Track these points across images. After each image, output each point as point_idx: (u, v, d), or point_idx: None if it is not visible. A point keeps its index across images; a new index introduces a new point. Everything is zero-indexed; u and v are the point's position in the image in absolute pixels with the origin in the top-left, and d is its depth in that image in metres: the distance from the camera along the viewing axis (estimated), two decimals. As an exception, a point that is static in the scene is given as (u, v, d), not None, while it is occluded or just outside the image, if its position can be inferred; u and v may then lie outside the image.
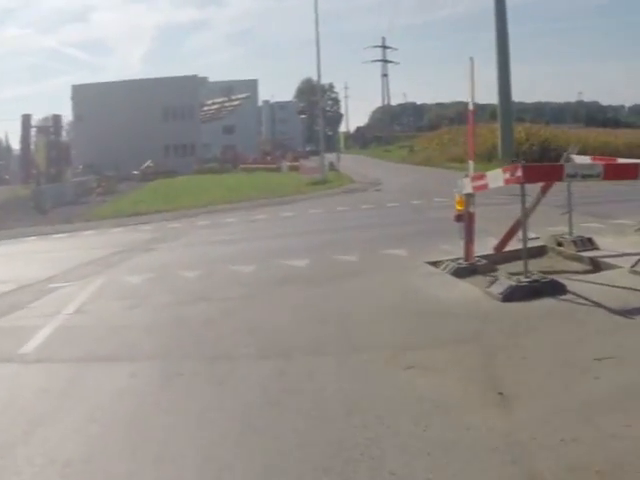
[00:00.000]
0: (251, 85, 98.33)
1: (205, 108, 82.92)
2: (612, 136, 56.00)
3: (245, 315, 9.60)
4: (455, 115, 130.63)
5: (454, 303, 9.50)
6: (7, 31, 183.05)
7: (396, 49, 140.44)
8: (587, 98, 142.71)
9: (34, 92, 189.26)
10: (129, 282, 12.76)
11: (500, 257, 12.58)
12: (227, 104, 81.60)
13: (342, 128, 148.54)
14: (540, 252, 13.57)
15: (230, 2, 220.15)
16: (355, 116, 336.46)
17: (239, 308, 10.06)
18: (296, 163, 56.49)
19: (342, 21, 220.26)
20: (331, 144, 67.39)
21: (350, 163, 57.13)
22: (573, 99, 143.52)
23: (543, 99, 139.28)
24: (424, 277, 11.54)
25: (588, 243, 13.45)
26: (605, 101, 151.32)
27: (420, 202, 25.37)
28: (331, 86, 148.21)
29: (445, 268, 12.05)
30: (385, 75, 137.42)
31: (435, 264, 12.44)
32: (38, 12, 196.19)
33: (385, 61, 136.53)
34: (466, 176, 11.71)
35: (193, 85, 78.52)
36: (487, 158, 50.04)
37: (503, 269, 11.48)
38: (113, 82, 78.99)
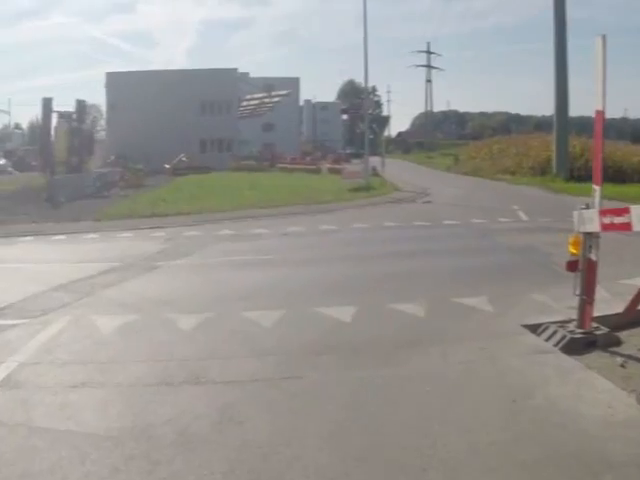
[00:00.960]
0: (292, 83, 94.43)
1: (244, 103, 78.85)
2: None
3: (249, 435, 5.62)
4: (498, 125, 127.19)
5: (610, 433, 5.74)
6: (54, 19, 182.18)
7: (440, 55, 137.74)
8: (632, 115, 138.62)
9: (77, 81, 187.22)
10: (96, 331, 8.91)
11: (621, 319, 9.04)
12: (267, 100, 77.32)
13: (385, 132, 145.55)
14: None
15: (275, 1, 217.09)
16: (396, 121, 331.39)
17: (241, 413, 6.09)
18: (337, 166, 52.70)
19: (387, 25, 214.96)
20: (373, 148, 63.40)
21: (393, 168, 53.03)
22: (617, 115, 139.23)
23: (585, 113, 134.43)
24: (530, 357, 7.84)
25: None
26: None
27: (483, 222, 21.31)
28: (374, 89, 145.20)
29: (551, 338, 8.54)
30: (429, 81, 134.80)
31: (535, 329, 8.94)
32: (86, 1, 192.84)
33: (429, 67, 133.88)
34: (587, 206, 8.41)
35: (232, 79, 74.27)
36: (540, 172, 46.25)
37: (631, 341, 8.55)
38: (149, 71, 75.18)
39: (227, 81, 72.86)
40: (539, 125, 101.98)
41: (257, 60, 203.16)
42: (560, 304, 9.91)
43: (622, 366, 7.61)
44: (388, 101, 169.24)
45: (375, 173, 42.60)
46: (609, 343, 8.39)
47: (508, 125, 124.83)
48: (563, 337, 8.37)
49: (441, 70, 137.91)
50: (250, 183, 37.83)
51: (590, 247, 8.29)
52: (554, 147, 45.20)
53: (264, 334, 8.64)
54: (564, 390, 6.75)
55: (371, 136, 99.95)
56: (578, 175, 42.87)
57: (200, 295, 11.11)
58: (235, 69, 77.82)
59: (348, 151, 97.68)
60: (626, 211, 7.31)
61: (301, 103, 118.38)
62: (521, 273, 12.78)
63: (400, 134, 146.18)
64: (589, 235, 8.24)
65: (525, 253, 15.11)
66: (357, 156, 72.44)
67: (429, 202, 30.21)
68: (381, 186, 37.01)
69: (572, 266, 8.49)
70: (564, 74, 44.69)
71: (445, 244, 16.77)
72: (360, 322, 9.11)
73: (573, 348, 8.11)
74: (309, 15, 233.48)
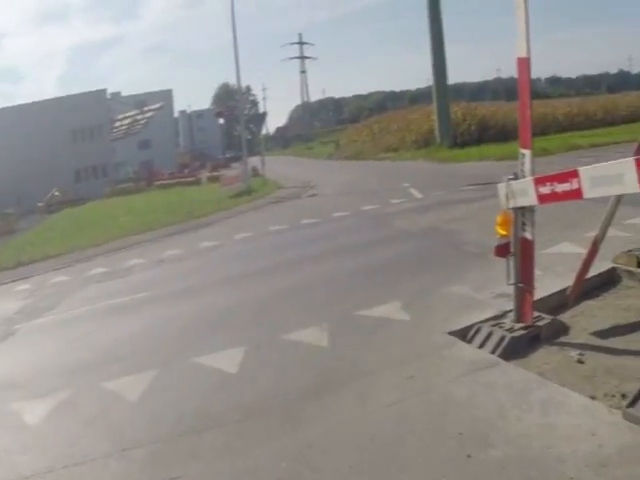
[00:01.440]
0: (165, 96, 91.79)
1: (117, 124, 75.40)
2: (549, 107, 51.79)
3: None
4: (374, 105, 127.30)
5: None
6: None
7: (313, 44, 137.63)
8: (505, 75, 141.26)
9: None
10: None
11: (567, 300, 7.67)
12: (139, 117, 74.09)
13: (262, 130, 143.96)
14: (608, 279, 8.53)
15: (143, 15, 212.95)
16: (274, 117, 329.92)
17: None
18: (216, 173, 50.28)
19: (257, 23, 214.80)
20: (252, 148, 61.38)
21: (274, 165, 51.10)
22: (490, 77, 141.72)
23: (460, 80, 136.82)
24: (471, 378, 6.12)
25: (689, 260, 8.24)
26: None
27: (375, 207, 19.62)
28: (249, 89, 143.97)
29: (487, 342, 6.96)
30: (303, 72, 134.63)
31: (464, 333, 7.33)
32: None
33: (302, 57, 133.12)
34: (515, 176, 6.84)
35: (100, 101, 70.82)
36: (424, 144, 45.47)
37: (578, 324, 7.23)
38: (12, 107, 70.08)
39: (96, 104, 69.37)
40: (415, 98, 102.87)
41: (130, 78, 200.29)
42: (483, 293, 8.51)
43: (580, 362, 6.19)
44: (264, 99, 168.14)
45: (256, 174, 40.69)
46: (555, 333, 6.98)
47: (385, 103, 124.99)
48: (501, 338, 6.83)
49: (314, 59, 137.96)
50: (126, 208, 35.33)
51: (524, 224, 6.74)
52: (435, 117, 44.45)
53: (129, 414, 6.54)
54: (528, 422, 5.07)
55: (249, 136, 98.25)
56: (462, 141, 42.46)
57: (57, 366, 8.82)
58: (104, 90, 74.37)
59: (228, 155, 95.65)
60: (573, 175, 5.59)
61: (176, 114, 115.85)
62: (430, 262, 11.09)
63: (279, 130, 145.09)
64: (521, 210, 6.69)
65: (428, 237, 13.48)
66: (237, 159, 70.49)
67: (315, 195, 28.40)
68: (263, 186, 35.00)
69: (502, 250, 6.94)
70: (440, 42, 44.41)
71: (339, 241, 14.93)
72: (249, 371, 7.11)
73: (516, 350, 6.59)
74: (179, 24, 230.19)
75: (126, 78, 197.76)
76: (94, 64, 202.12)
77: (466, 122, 46.07)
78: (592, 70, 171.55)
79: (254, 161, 42.66)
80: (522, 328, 6.86)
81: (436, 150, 41.24)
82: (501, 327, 6.98)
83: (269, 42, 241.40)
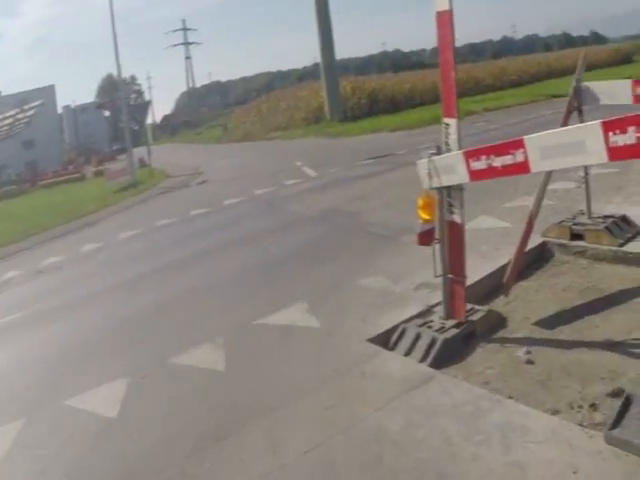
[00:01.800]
0: (48, 92, 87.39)
1: (-3, 126, 71.21)
2: (437, 75, 51.06)
3: None
4: (262, 86, 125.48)
5: None
6: None
7: (196, 30, 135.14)
8: (390, 48, 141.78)
9: None
10: None
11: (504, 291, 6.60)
12: (20, 116, 70.02)
13: (149, 119, 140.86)
14: (539, 256, 7.67)
15: (23, 12, 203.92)
16: (161, 105, 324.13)
17: None
18: (102, 167, 47.85)
19: (140, 13, 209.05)
20: (139, 139, 59.06)
21: (161, 155, 49.12)
22: (376, 51, 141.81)
23: (345, 56, 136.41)
24: (406, 404, 4.86)
25: (625, 225, 7.60)
26: (406, 48, 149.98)
27: (268, 190, 18.29)
28: (133, 78, 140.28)
29: (415, 348, 5.78)
30: (188, 58, 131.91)
31: (386, 339, 6.13)
32: None
33: (186, 43, 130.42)
34: (437, 150, 5.73)
35: (-25, 101, 66.91)
36: (314, 121, 44.44)
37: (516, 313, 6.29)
38: None
39: (-31, 105, 65.21)
40: (302, 77, 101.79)
41: (13, 76, 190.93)
42: (402, 284, 7.41)
43: (529, 362, 5.24)
44: (149, 87, 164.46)
45: (143, 165, 38.71)
46: (492, 327, 5.96)
47: (272, 84, 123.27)
48: (432, 342, 5.72)
49: (199, 44, 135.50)
50: (5, 213, 32.89)
51: (451, 206, 5.64)
52: (324, 92, 43.34)
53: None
54: (488, 462, 3.97)
55: (136, 127, 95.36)
56: (353, 115, 41.70)
57: None
58: None
59: (115, 148, 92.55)
60: (518, 146, 4.48)
61: (60, 110, 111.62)
62: (335, 250, 9.85)
63: (165, 118, 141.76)
64: (447, 190, 5.58)
65: (329, 220, 12.26)
66: (124, 151, 67.86)
67: (204, 182, 26.81)
68: (150, 178, 33.16)
69: (426, 237, 5.87)
70: (326, 17, 43.46)
71: (232, 232, 13.43)
72: (132, 413, 5.64)
73: (451, 354, 5.54)
74: (59, 19, 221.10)
75: (8, 77, 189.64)
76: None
77: (355, 96, 45.29)
78: (476, 38, 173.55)
79: (141, 152, 40.65)
80: (454, 326, 5.77)
81: (327, 125, 40.25)
82: (430, 327, 5.86)
83: (153, 31, 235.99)
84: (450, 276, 5.77)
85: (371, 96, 45.46)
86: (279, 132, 46.96)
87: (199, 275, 10.28)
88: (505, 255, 7.05)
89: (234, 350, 6.52)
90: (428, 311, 6.32)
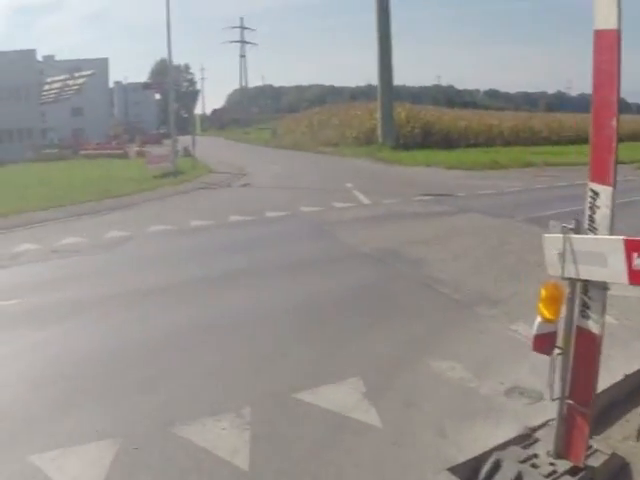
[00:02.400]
0: (101, 64, 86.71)
1: (46, 87, 70.10)
2: (496, 119, 49.96)
3: None
4: (314, 98, 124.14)
5: None
6: None
7: (254, 30, 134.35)
8: (444, 82, 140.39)
9: None
10: None
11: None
12: (70, 82, 68.97)
13: (198, 110, 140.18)
14: None
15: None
16: (212, 98, 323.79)
17: None
18: (145, 149, 46.29)
19: (200, 3, 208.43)
20: (186, 126, 57.59)
21: (208, 147, 47.63)
22: (429, 83, 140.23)
23: (399, 82, 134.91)
24: None
25: None
26: (460, 85, 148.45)
27: (315, 210, 16.61)
28: (187, 67, 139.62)
29: None
30: (243, 56, 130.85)
31: (473, 470, 4.42)
32: None
33: (243, 42, 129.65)
34: (576, 225, 3.99)
35: (28, 61, 65.27)
36: (365, 142, 42.79)
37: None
38: None
39: (24, 64, 63.91)
40: (354, 95, 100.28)
41: (68, 43, 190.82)
42: (487, 382, 5.72)
43: None
44: (202, 79, 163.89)
45: (187, 154, 37.10)
46: (612, 476, 4.36)
47: (324, 97, 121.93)
48: None
49: (255, 45, 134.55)
50: (42, 177, 31.37)
51: (587, 308, 3.99)
52: (379, 115, 41.61)
53: None
54: None
55: (185, 115, 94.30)
56: (404, 143, 40.05)
57: None
58: (33, 50, 68.48)
59: (162, 131, 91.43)
60: None
61: (112, 85, 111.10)
62: (398, 308, 8.07)
63: (215, 111, 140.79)
64: (584, 285, 3.97)
65: (387, 263, 10.48)
66: (171, 135, 66.46)
67: (247, 185, 25.12)
68: (192, 169, 31.52)
69: (544, 343, 4.10)
70: (387, 42, 41.69)
71: (271, 254, 11.65)
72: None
73: None
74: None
75: (64, 44, 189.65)
76: (32, 26, 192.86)
77: (410, 124, 43.71)
78: (530, 88, 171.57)
79: (186, 140, 39.05)
80: (568, 472, 4.11)
81: (378, 149, 38.55)
82: (534, 466, 4.22)
83: (212, 25, 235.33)
84: (570, 402, 4.05)
85: (425, 127, 43.91)
86: (329, 147, 45.29)
87: (226, 305, 8.54)
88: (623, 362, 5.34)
89: (264, 436, 4.81)
90: (529, 436, 4.59)
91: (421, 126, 43.90)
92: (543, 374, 5.64)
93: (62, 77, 66.27)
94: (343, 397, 5.42)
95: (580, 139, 49.14)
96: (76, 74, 65.87)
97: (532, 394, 5.38)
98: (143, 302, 8.85)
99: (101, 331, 7.73)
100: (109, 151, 51.32)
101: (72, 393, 5.83)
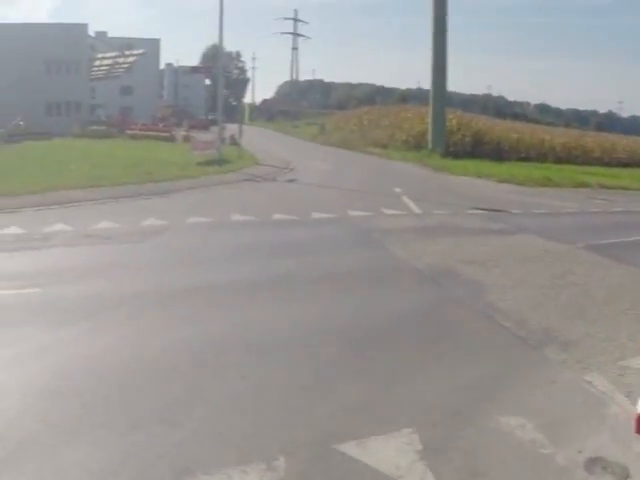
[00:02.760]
0: (153, 44, 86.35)
1: (97, 63, 69.61)
2: (548, 134, 48.54)
3: None
4: (363, 96, 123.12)
5: None
6: None
7: (307, 23, 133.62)
8: (495, 92, 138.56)
9: None
10: None
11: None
12: (121, 60, 68.31)
13: (248, 99, 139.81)
14: None
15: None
16: (262, 88, 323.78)
17: None
18: (191, 134, 45.54)
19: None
20: (234, 115, 57.04)
21: (255, 137, 46.90)
22: (480, 92, 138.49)
23: (450, 89, 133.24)
24: None
25: None
26: (510, 97, 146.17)
27: (364, 215, 15.74)
28: (238, 54, 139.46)
29: None
30: (295, 49, 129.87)
31: None
32: None
33: (296, 34, 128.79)
34: None
35: (80, 35, 64.51)
36: (414, 146, 41.62)
37: None
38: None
39: (75, 38, 63.43)
40: (404, 97, 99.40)
41: (122, 22, 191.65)
42: (564, 448, 4.83)
43: None
44: (253, 68, 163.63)
45: (234, 142, 36.31)
46: None
47: (373, 96, 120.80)
48: None
49: (307, 38, 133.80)
50: (85, 154, 30.79)
51: None
52: (430, 120, 40.38)
53: None
54: None
55: (234, 103, 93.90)
56: (454, 151, 38.85)
57: None
58: (84, 25, 67.67)
59: (210, 117, 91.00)
60: None
61: (163, 67, 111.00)
62: (457, 342, 7.12)
63: (265, 101, 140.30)
64: None
65: (442, 284, 9.53)
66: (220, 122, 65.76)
67: (294, 181, 24.27)
68: (238, 159, 30.72)
69: None
70: (442, 45, 40.18)
71: (315, 262, 10.74)
72: None
73: None
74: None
75: (118, 23, 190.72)
76: (87, 3, 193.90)
77: (460, 132, 42.44)
78: (581, 105, 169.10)
79: (234, 129, 38.26)
80: None
81: (428, 156, 37.38)
82: None
83: (265, 13, 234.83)
84: None
85: (476, 136, 42.62)
86: (377, 148, 44.20)
87: (259, 320, 7.65)
88: None
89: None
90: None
91: (472, 135, 42.58)
92: (627, 443, 4.79)
93: (113, 54, 65.82)
94: (395, 455, 4.53)
95: (633, 162, 47.75)
96: (126, 52, 65.38)
97: (617, 469, 4.50)
98: (169, 306, 8.03)
99: (118, 338, 6.90)
100: (155, 133, 50.73)
101: (70, 418, 5.02)
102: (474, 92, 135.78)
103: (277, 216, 15.24)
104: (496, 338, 7.25)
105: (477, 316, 8.01)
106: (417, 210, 17.10)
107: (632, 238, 14.49)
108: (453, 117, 43.88)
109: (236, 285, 8.99)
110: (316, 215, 15.53)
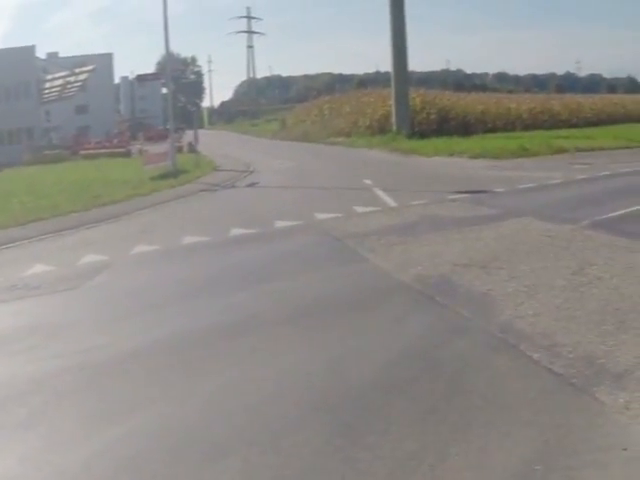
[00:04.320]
0: (105, 59, 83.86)
1: (47, 85, 66.86)
2: (514, 101, 47.35)
3: None
4: (323, 86, 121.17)
5: None
6: None
7: (261, 19, 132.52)
8: (453, 67, 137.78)
9: None
10: None
11: None
12: (72, 79, 65.57)
13: (207, 103, 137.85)
14: None
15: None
16: (220, 91, 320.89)
17: None
18: (146, 147, 43.21)
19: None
20: (192, 121, 55.02)
21: (214, 141, 44.83)
22: (438, 67, 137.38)
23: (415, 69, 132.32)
24: None
25: None
26: (469, 69, 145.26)
27: (334, 217, 13.76)
28: (194, 59, 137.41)
29: None
30: (250, 47, 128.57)
31: None
32: None
33: (250, 32, 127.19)
34: None
35: (27, 58, 62.15)
36: (378, 130, 39.90)
37: None
38: None
39: (23, 61, 60.74)
40: (363, 83, 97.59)
41: (76, 41, 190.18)
42: None
43: None
44: (209, 71, 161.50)
45: (192, 150, 34.20)
46: None
47: (333, 85, 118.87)
48: None
49: (262, 34, 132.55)
50: (31, 183, 28.50)
51: None
52: (393, 102, 38.62)
53: None
54: None
55: (193, 108, 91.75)
56: (420, 130, 37.23)
57: None
58: (32, 47, 65.04)
59: (168, 126, 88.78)
60: None
61: (118, 81, 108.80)
62: (470, 394, 5.11)
63: (223, 104, 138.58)
64: None
65: (438, 303, 7.43)
66: (177, 130, 63.52)
67: (254, 185, 22.21)
68: (195, 167, 28.56)
69: None
70: (401, 25, 38.47)
71: (277, 292, 8.52)
72: None
73: None
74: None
75: (71, 41, 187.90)
76: (38, 26, 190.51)
77: (425, 111, 40.86)
78: (539, 70, 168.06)
79: (191, 135, 36.15)
80: None
81: (393, 139, 35.59)
82: None
83: (217, 15, 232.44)
84: None
85: (441, 113, 41.02)
86: (341, 137, 42.43)
87: (214, 389, 5.63)
88: None
89: None
90: None
91: (437, 112, 41.04)
92: None
93: (63, 73, 63.23)
94: None
95: (600, 121, 46.60)
96: (77, 70, 62.76)
97: None
98: (92, 389, 5.96)
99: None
100: (110, 150, 48.40)
101: None
102: (432, 69, 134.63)
103: (235, 231, 13.18)
104: (527, 379, 5.31)
105: (495, 348, 6.00)
106: (392, 203, 15.11)
107: (635, 207, 12.66)
108: (416, 96, 42.27)
109: (181, 342, 6.91)
110: (280, 224, 13.52)
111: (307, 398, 5.25)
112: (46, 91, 67.68)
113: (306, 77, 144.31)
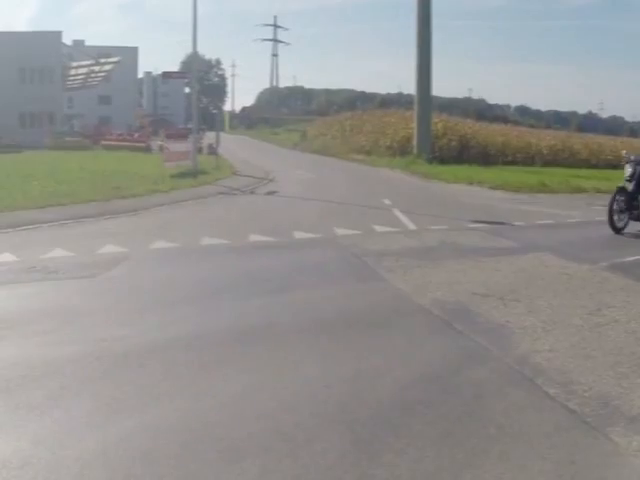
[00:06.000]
0: (130, 53, 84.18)
1: (72, 72, 67.26)
2: (534, 136, 47.20)
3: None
4: (344, 102, 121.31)
5: None
6: None
7: (287, 29, 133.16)
8: (475, 95, 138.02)
9: None
10: None
11: None
12: (96, 69, 65.93)
13: (228, 107, 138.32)
14: None
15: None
16: (242, 96, 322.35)
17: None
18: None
19: (235, 1, 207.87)
20: (215, 123, 55.29)
21: (234, 146, 44.95)
22: (461, 95, 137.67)
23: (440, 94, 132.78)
24: None
25: None
26: (491, 100, 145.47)
27: (353, 234, 13.82)
28: (218, 62, 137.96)
29: None
30: (275, 55, 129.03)
31: None
32: None
33: (275, 40, 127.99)
34: None
35: (54, 43, 62.03)
36: (399, 152, 39.92)
37: None
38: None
39: (49, 46, 61.05)
40: (385, 102, 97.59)
41: (102, 31, 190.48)
42: None
43: None
44: (233, 75, 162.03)
45: (212, 152, 34.34)
46: None
47: (354, 102, 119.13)
48: None
49: (287, 44, 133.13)
50: (53, 168, 28.76)
51: None
52: (415, 125, 38.64)
53: None
54: None
55: (214, 110, 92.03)
56: (440, 156, 37.22)
57: None
58: (58, 32, 65.21)
59: (190, 125, 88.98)
60: None
61: (142, 75, 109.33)
62: (489, 426, 5.10)
63: (245, 109, 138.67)
64: None
65: (457, 331, 7.43)
66: (198, 131, 63.59)
67: (274, 193, 22.32)
68: (215, 169, 28.75)
69: None
70: (427, 47, 38.49)
71: (294, 304, 8.54)
72: None
73: None
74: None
75: (97, 31, 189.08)
76: (65, 12, 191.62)
77: (446, 137, 40.91)
78: (561, 107, 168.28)
79: (212, 137, 36.30)
80: None
81: (414, 162, 35.63)
82: None
83: (244, 20, 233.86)
84: None
85: (462, 140, 41.05)
86: (361, 155, 42.50)
87: (221, 403, 5.57)
88: None
89: None
90: None
91: (458, 139, 41.09)
92: None
93: (88, 62, 63.57)
94: None
95: (619, 164, 46.29)
96: (102, 60, 63.09)
97: None
98: (106, 377, 6.00)
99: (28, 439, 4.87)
100: (131, 143, 48.67)
101: None
102: (454, 95, 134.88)
103: (254, 237, 13.27)
104: (544, 415, 5.32)
105: (512, 380, 6.05)
106: (411, 226, 15.17)
107: (654, 252, 12.69)
108: (439, 121, 42.37)
109: (198, 341, 6.96)
110: (299, 235, 13.59)
111: (324, 410, 5.29)
112: (70, 78, 68.15)
113: (328, 91, 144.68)
